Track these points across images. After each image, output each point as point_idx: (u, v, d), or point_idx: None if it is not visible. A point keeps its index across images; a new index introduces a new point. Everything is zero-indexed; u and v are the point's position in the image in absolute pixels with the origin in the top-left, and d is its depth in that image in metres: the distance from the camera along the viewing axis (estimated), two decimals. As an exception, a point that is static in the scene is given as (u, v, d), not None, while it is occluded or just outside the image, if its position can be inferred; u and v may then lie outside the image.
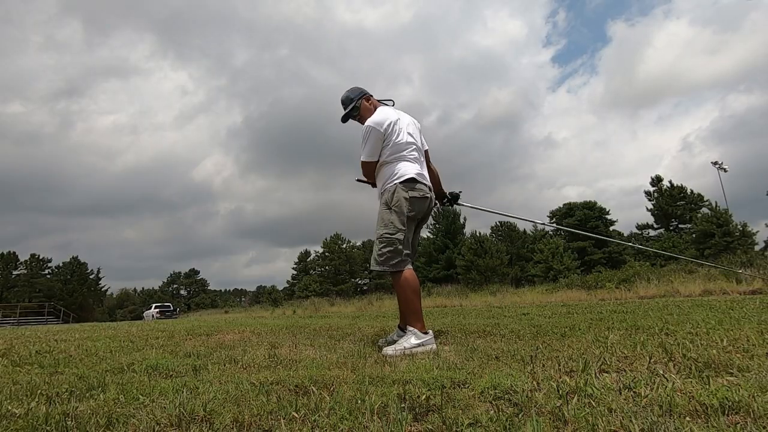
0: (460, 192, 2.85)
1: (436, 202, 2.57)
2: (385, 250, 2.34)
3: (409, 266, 2.37)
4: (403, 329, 2.57)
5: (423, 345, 2.19)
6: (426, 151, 2.68)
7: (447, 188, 2.88)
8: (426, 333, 2.26)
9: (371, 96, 2.69)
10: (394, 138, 2.43)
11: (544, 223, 3.93)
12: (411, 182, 2.39)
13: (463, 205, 2.93)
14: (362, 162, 2.52)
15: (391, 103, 2.76)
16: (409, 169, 2.41)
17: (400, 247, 2.33)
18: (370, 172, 2.57)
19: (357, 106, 2.64)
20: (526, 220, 3.86)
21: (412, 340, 2.20)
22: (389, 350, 2.13)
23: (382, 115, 2.47)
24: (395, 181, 2.39)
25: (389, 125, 2.43)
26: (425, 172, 2.52)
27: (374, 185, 2.66)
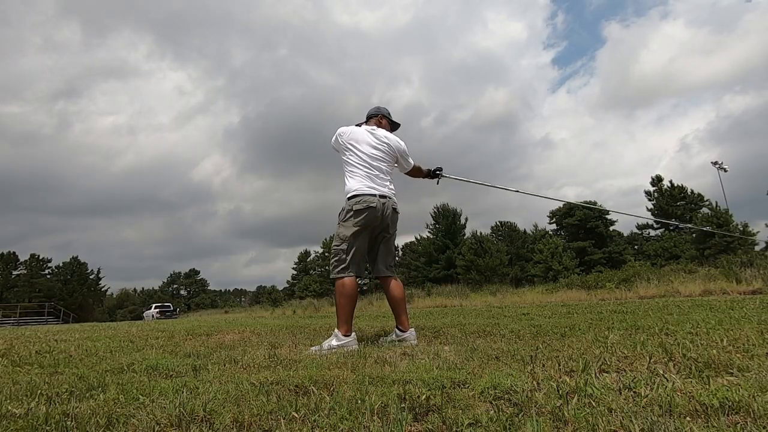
0: (440, 168, 3.15)
1: (395, 209, 2.73)
2: (333, 259, 2.60)
3: (351, 275, 2.54)
4: (400, 329, 2.61)
5: (343, 347, 2.39)
6: (417, 167, 3.01)
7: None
8: (347, 336, 2.45)
9: (381, 119, 2.94)
10: (348, 154, 2.72)
11: (524, 192, 4.03)
12: (355, 197, 2.62)
13: (446, 176, 3.20)
14: None
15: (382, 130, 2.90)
16: (354, 185, 2.66)
17: (344, 256, 2.56)
18: None
19: (370, 116, 2.97)
20: (504, 189, 3.87)
21: (333, 342, 2.42)
22: (312, 349, 2.40)
23: (349, 129, 2.81)
24: (347, 195, 2.66)
25: (347, 139, 2.74)
26: (376, 184, 2.68)
27: None
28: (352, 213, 2.58)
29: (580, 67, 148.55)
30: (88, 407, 1.22)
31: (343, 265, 2.54)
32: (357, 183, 2.65)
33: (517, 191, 4.06)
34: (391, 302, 2.68)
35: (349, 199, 2.63)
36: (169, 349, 2.67)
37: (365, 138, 2.74)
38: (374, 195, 2.62)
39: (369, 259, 2.76)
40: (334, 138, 2.83)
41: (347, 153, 2.73)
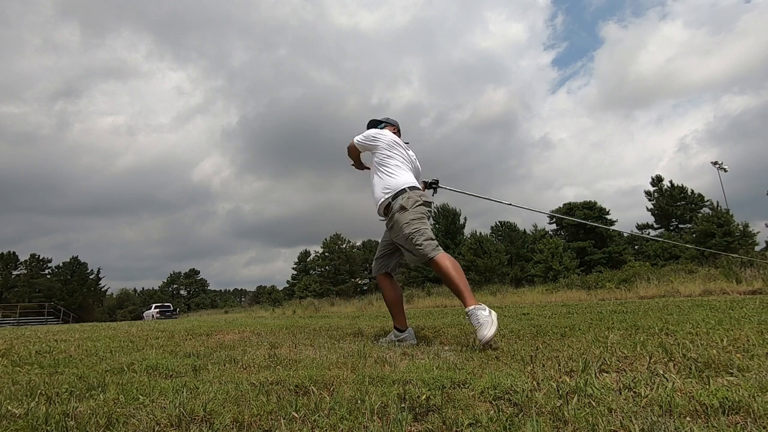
0: (436, 181, 3.14)
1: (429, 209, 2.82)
2: (422, 240, 2.39)
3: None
4: (399, 329, 2.60)
5: (488, 318, 2.10)
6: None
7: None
8: (479, 305, 2.17)
9: (393, 128, 3.03)
10: (394, 151, 2.73)
11: (519, 206, 4.01)
12: (416, 189, 2.62)
13: (442, 187, 3.19)
14: (354, 142, 2.85)
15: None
16: (409, 178, 2.67)
17: (431, 234, 2.46)
18: (351, 153, 2.98)
19: (382, 124, 3.04)
20: (498, 201, 3.85)
21: (483, 312, 2.12)
22: (488, 334, 2.04)
23: (389, 132, 2.86)
24: (404, 186, 2.59)
25: (391, 139, 2.77)
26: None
27: (357, 167, 3.08)
28: (420, 203, 2.54)
29: (580, 68, 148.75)
30: (88, 407, 1.22)
31: (436, 241, 2.44)
32: (411, 178, 2.67)
33: (510, 204, 3.92)
34: (392, 301, 2.68)
35: (410, 189, 2.57)
36: (169, 349, 2.67)
37: (404, 146, 2.83)
38: (425, 194, 2.67)
39: (387, 252, 2.76)
40: (365, 136, 2.80)
41: (392, 151, 2.73)
